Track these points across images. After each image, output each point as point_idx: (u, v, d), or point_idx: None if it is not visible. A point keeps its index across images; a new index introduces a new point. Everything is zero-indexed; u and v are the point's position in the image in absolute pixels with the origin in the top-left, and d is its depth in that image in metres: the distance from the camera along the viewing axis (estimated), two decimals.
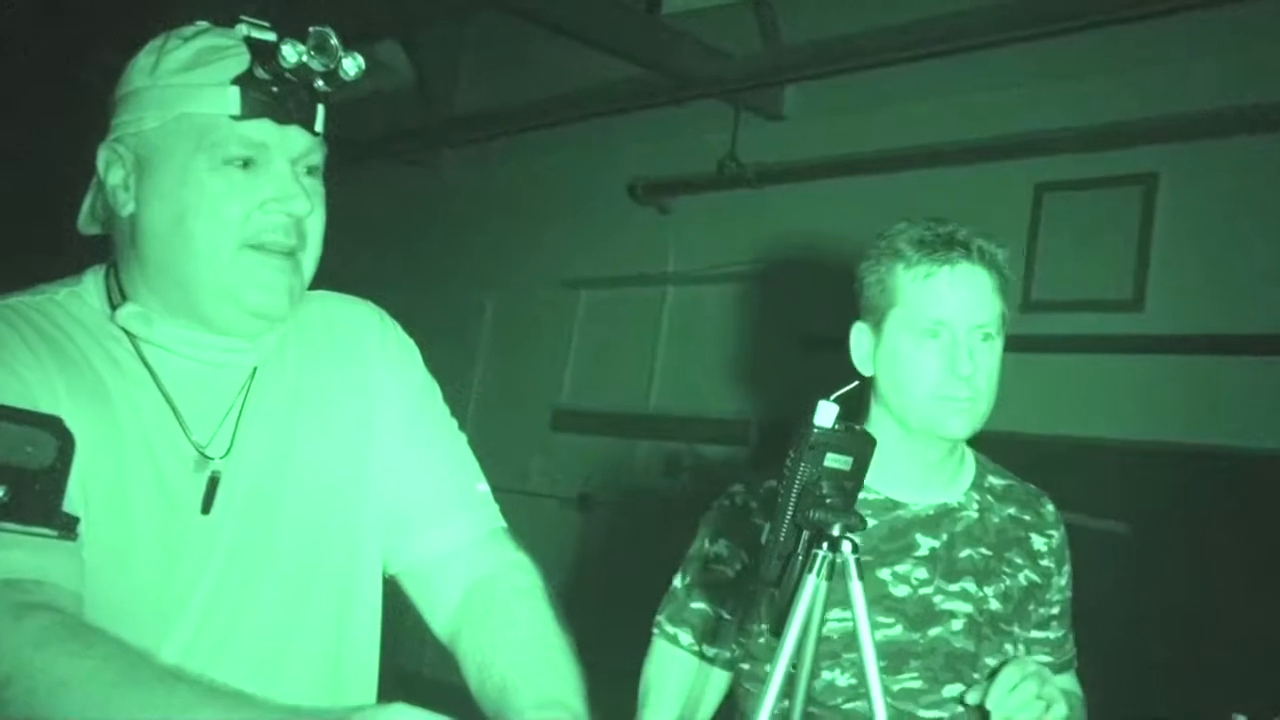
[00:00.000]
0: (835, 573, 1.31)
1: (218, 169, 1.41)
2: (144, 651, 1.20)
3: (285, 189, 1.43)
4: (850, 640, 1.84)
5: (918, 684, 1.88)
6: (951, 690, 1.89)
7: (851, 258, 4.89)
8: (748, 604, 1.93)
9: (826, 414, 1.31)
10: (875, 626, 1.76)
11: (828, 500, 1.31)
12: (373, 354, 1.61)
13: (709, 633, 1.96)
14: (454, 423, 1.68)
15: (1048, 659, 2.02)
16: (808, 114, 5.23)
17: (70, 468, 0.87)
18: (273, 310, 1.45)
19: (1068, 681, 2.09)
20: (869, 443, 1.35)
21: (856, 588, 1.30)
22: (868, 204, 4.91)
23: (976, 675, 1.88)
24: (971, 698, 1.84)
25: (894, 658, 1.87)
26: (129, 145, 1.45)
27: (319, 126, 1.46)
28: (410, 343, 1.68)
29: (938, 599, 1.91)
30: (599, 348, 5.89)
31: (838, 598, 1.77)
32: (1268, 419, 3.80)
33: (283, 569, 1.47)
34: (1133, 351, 4.16)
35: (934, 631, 1.87)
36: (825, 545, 1.30)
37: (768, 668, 1.93)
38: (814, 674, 1.39)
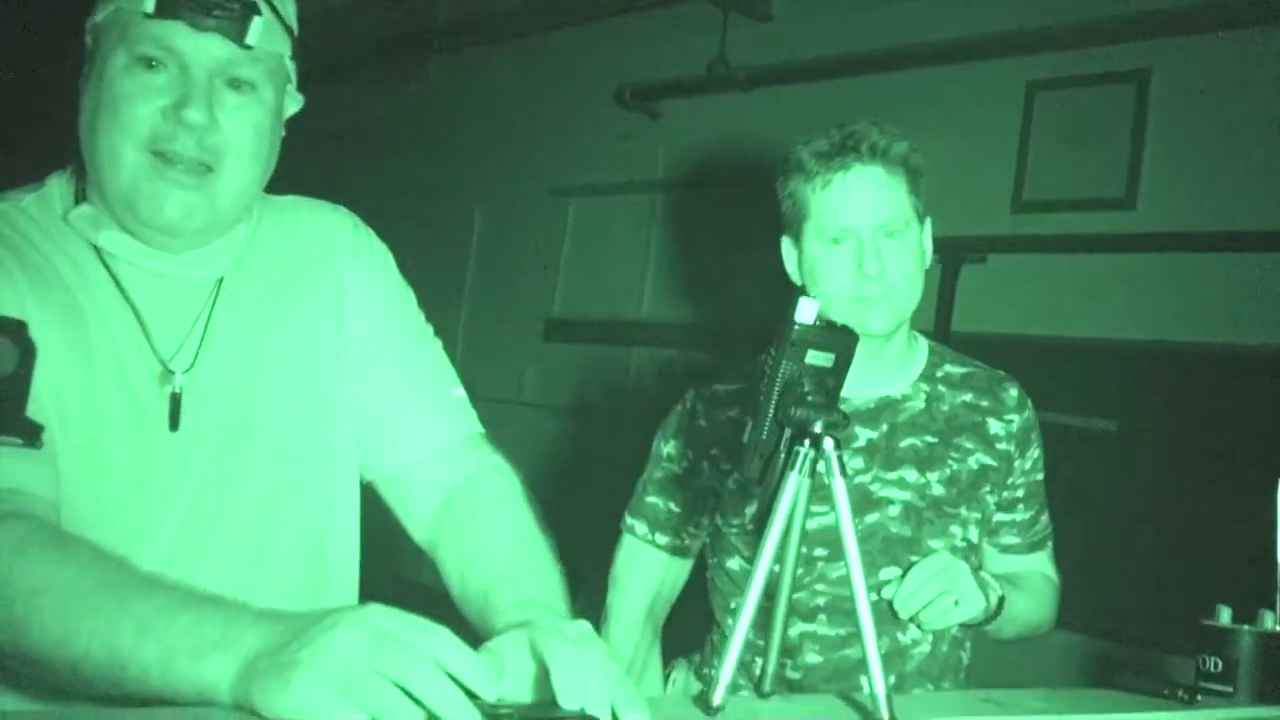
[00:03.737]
0: (817, 469, 1.31)
1: (128, 68, 1.37)
2: (122, 559, 1.19)
3: (186, 95, 1.36)
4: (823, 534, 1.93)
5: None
6: (888, 573, 1.98)
7: None
8: (696, 498, 2.11)
9: (807, 310, 1.30)
10: (811, 515, 1.87)
11: (809, 398, 1.30)
12: (344, 260, 1.58)
13: (661, 524, 2.14)
14: (429, 329, 1.65)
15: (1015, 539, 2.14)
16: (796, 14, 5.14)
17: (32, 374, 0.85)
18: (171, 226, 1.39)
19: (1039, 562, 2.17)
20: (851, 339, 1.34)
21: (839, 484, 1.30)
22: (858, 105, 4.86)
23: (915, 558, 1.96)
24: (886, 592, 1.92)
25: (832, 544, 1.95)
26: (90, 35, 1.43)
27: (252, 39, 1.39)
28: (383, 248, 1.64)
29: (874, 486, 2.01)
30: (590, 257, 5.85)
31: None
32: (1260, 315, 3.79)
33: (257, 482, 1.46)
34: (1125, 250, 4.14)
35: (871, 518, 1.97)
36: (807, 443, 1.29)
37: (731, 562, 2.04)
38: (796, 571, 1.39)
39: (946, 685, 1.99)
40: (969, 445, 2.05)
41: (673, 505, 2.12)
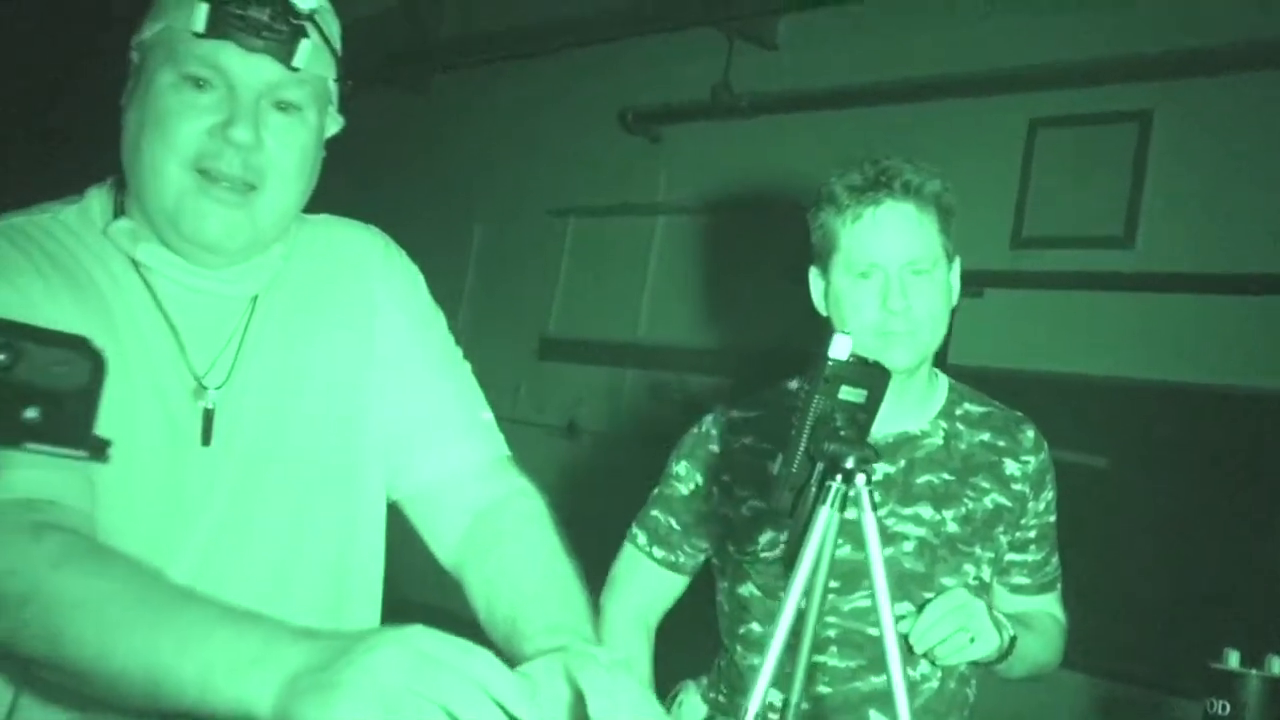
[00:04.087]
0: (848, 505, 1.32)
1: (176, 86, 1.38)
2: (158, 572, 1.19)
3: (234, 115, 1.38)
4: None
5: (868, 603, 1.97)
6: (900, 608, 1.97)
7: None
8: (697, 520, 2.14)
9: (842, 346, 1.31)
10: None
11: (842, 433, 1.31)
12: (376, 280, 1.59)
13: (660, 539, 2.17)
14: (458, 351, 1.66)
15: (1025, 580, 2.15)
16: (802, 43, 5.18)
17: (102, 389, 0.86)
18: (213, 243, 1.40)
19: (1048, 604, 2.18)
20: (884, 376, 1.35)
21: (870, 519, 1.31)
22: (860, 136, 4.89)
23: (928, 594, 1.97)
24: (901, 627, 1.90)
25: (846, 577, 1.96)
26: (138, 52, 1.44)
27: (300, 61, 1.40)
28: (414, 269, 1.65)
29: (890, 521, 2.01)
30: (587, 277, 5.88)
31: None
32: (1256, 357, 3.82)
33: (286, 497, 1.46)
34: (1123, 289, 4.17)
35: (885, 553, 1.91)
36: (839, 478, 1.30)
37: (742, 588, 2.05)
38: (823, 603, 1.40)
39: None
40: (985, 485, 2.06)
41: (673, 523, 2.15)
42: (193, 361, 1.42)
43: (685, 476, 2.14)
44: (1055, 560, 2.17)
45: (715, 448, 2.11)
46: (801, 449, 1.32)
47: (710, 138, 5.44)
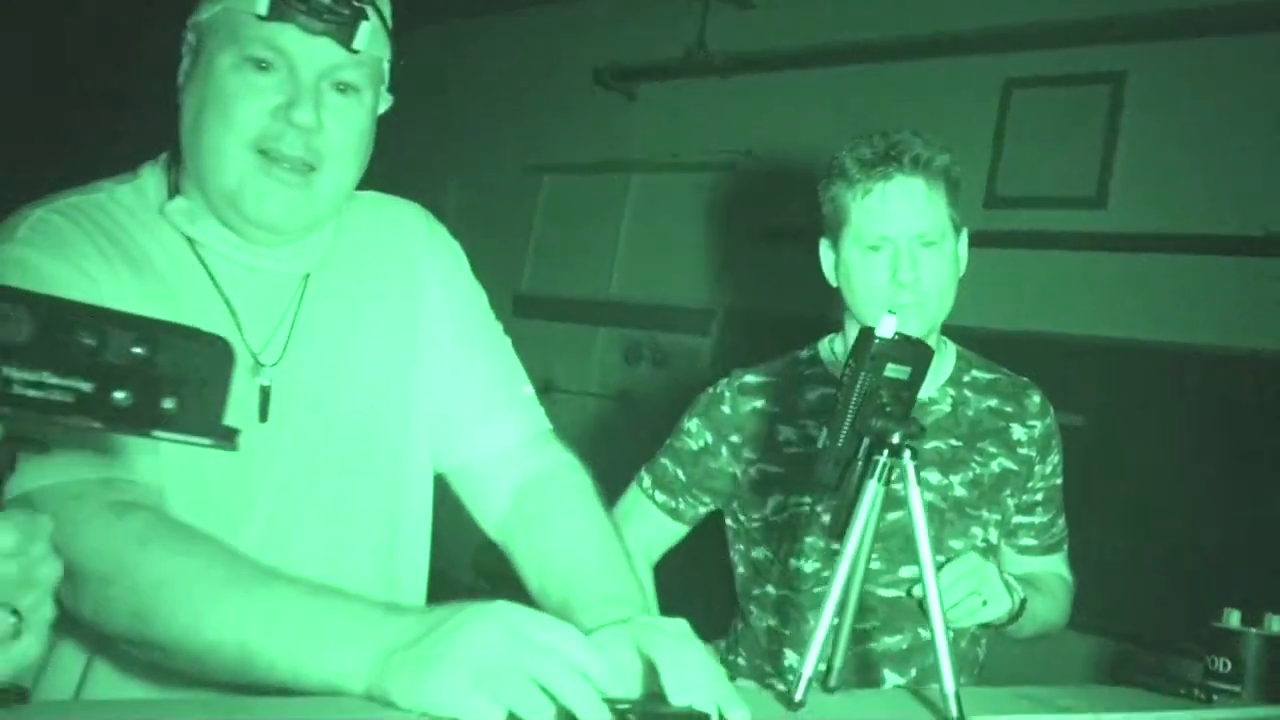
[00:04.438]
0: (893, 478, 1.37)
1: (237, 67, 1.39)
2: (240, 551, 1.23)
3: (295, 98, 1.40)
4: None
5: (877, 564, 2.02)
6: (908, 571, 2.04)
7: (818, 150, 4.89)
8: (704, 475, 2.20)
9: (888, 325, 1.36)
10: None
11: (888, 409, 1.35)
12: (420, 256, 1.62)
13: (664, 484, 2.23)
14: (499, 326, 1.70)
15: (1032, 541, 2.22)
16: (777, 2, 5.19)
17: (231, 380, 0.89)
18: (274, 223, 1.43)
19: (1054, 564, 2.24)
20: (927, 353, 1.40)
21: (915, 492, 1.36)
22: (836, 95, 4.93)
23: (938, 557, 1.99)
24: (917, 591, 1.95)
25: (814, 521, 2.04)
26: (194, 33, 1.45)
27: (359, 43, 1.42)
28: (457, 246, 1.69)
29: (898, 485, 2.02)
30: (561, 234, 5.88)
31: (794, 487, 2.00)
32: (1225, 317, 3.90)
33: (339, 473, 1.50)
34: (1094, 249, 4.24)
35: (893, 515, 1.95)
36: (886, 452, 1.35)
37: (756, 552, 2.10)
38: (864, 572, 1.45)
39: (963, 681, 2.06)
40: (992, 449, 2.13)
41: (680, 473, 2.20)
42: (249, 339, 1.44)
43: (696, 433, 2.19)
44: (1061, 522, 2.23)
45: (727, 409, 2.17)
46: (849, 424, 1.36)
47: (686, 95, 5.45)
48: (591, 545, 1.50)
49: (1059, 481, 2.21)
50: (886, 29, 4.76)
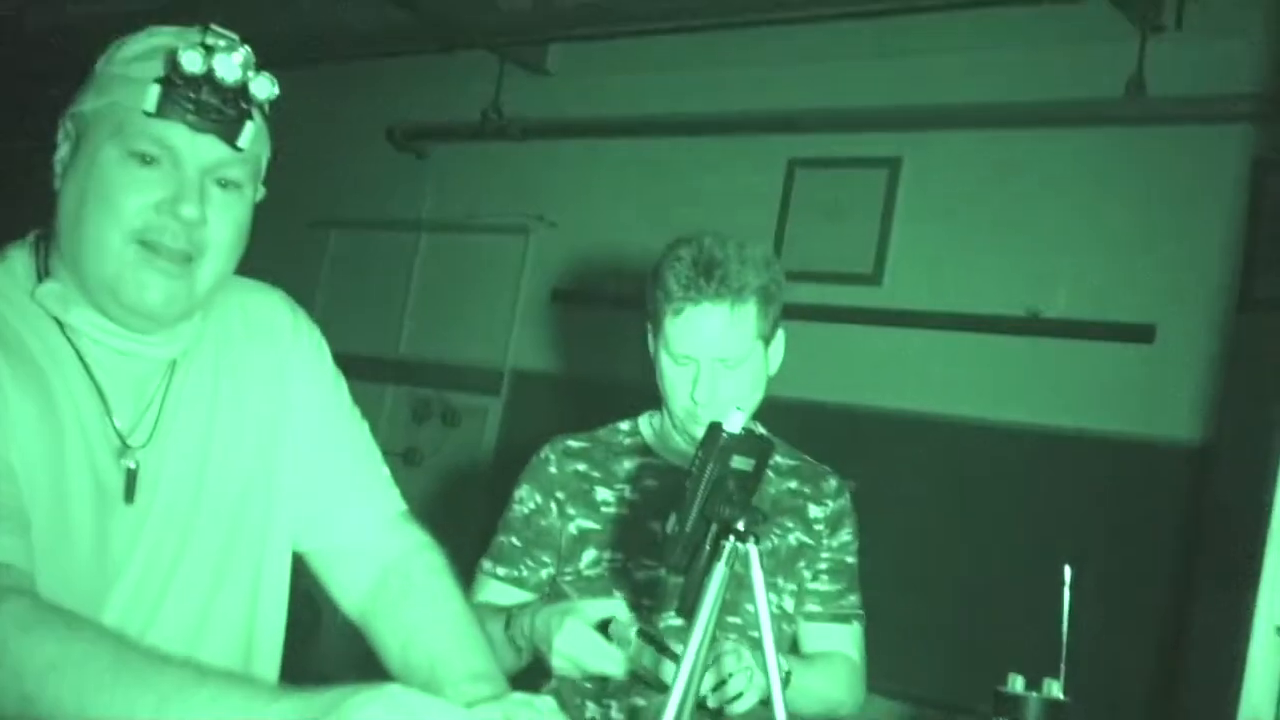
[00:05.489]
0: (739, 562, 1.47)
1: (123, 161, 1.42)
2: (125, 636, 1.24)
3: (180, 192, 1.43)
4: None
5: (679, 621, 2.09)
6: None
7: (609, 217, 5.04)
8: (538, 535, 2.24)
9: (736, 421, 1.47)
10: (641, 567, 2.16)
11: (734, 498, 1.46)
12: (286, 345, 1.66)
13: (502, 558, 2.26)
14: (358, 411, 1.75)
15: (818, 608, 2.32)
16: (573, 72, 5.33)
17: None
18: (153, 311, 1.45)
19: (843, 638, 2.34)
20: (769, 447, 1.51)
21: (758, 575, 1.46)
22: (629, 165, 5.10)
23: (733, 619, 2.14)
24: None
25: (659, 595, 2.14)
26: (74, 123, 1.47)
27: (243, 141, 1.46)
28: (318, 333, 1.74)
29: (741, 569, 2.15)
30: (349, 291, 5.85)
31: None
32: (988, 391, 4.19)
33: (203, 554, 1.52)
34: (870, 323, 4.50)
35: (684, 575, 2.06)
36: (732, 538, 1.46)
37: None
38: (712, 649, 1.55)
39: None
40: (789, 524, 2.28)
41: (514, 540, 2.25)
42: (117, 421, 1.46)
43: (526, 498, 2.27)
44: (854, 599, 2.34)
45: (553, 469, 2.26)
46: (696, 511, 1.47)
47: (479, 158, 5.53)
48: (454, 624, 1.57)
49: (850, 560, 2.34)
50: (678, 105, 4.95)
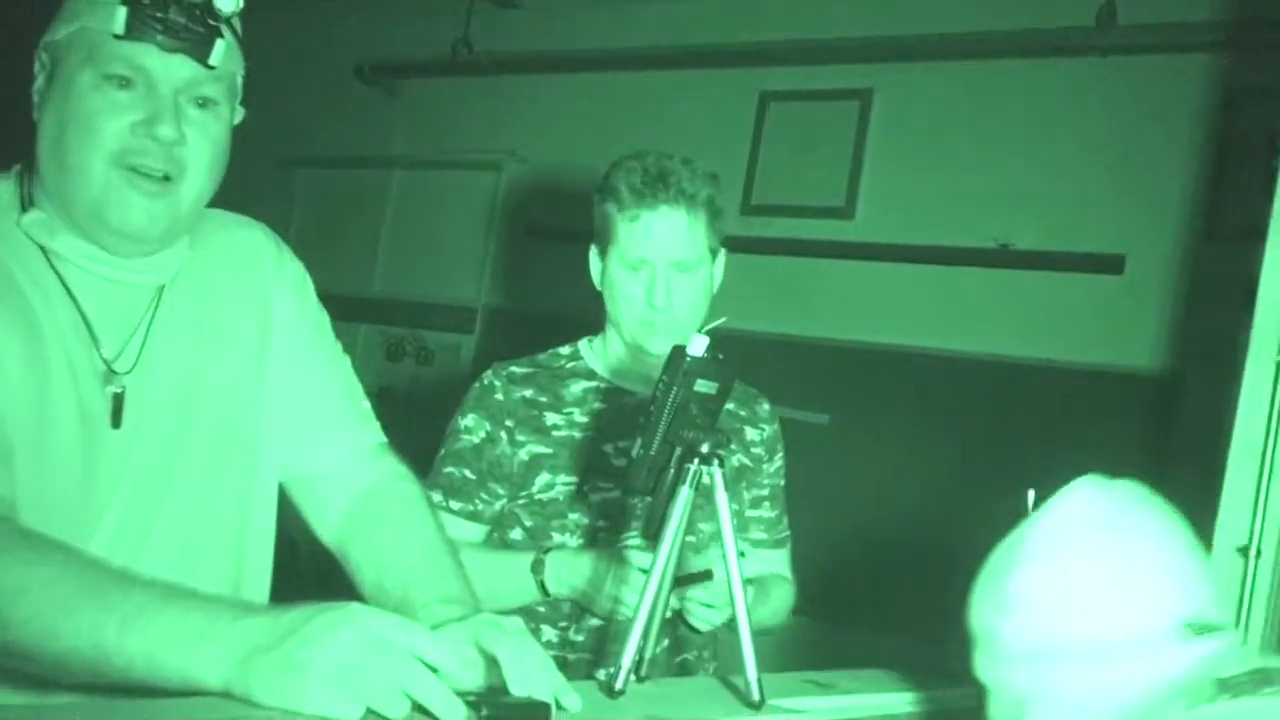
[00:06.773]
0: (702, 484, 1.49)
1: (98, 86, 1.43)
2: (94, 557, 1.26)
3: (156, 113, 1.44)
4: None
5: (637, 541, 2.14)
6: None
7: (582, 153, 5.01)
8: (490, 466, 2.22)
9: (699, 344, 1.48)
10: (596, 490, 2.17)
11: (698, 421, 1.48)
12: (269, 278, 1.67)
13: (455, 491, 2.24)
14: (340, 345, 1.78)
15: (763, 535, 2.39)
16: (544, 4, 5.27)
17: None
18: (137, 232, 1.47)
19: (779, 560, 2.40)
20: (733, 371, 1.53)
21: (722, 498, 1.48)
22: (601, 100, 5.07)
23: (690, 538, 2.13)
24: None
25: (615, 517, 2.16)
26: (48, 52, 1.48)
27: (215, 59, 1.46)
28: (302, 268, 1.75)
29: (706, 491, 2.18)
30: (320, 229, 5.82)
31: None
32: (958, 324, 4.22)
33: (191, 480, 1.54)
34: (842, 257, 4.51)
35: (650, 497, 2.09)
36: (696, 461, 1.47)
37: (513, 533, 2.19)
38: (679, 570, 1.57)
39: (706, 656, 2.25)
40: (733, 447, 2.28)
41: (468, 473, 2.24)
42: (103, 348, 1.48)
43: (474, 428, 2.24)
44: (786, 521, 2.42)
45: (500, 396, 2.24)
46: (660, 435, 1.48)
47: (451, 94, 5.50)
48: (426, 548, 1.59)
49: (783, 482, 2.41)
50: (649, 38, 4.92)
